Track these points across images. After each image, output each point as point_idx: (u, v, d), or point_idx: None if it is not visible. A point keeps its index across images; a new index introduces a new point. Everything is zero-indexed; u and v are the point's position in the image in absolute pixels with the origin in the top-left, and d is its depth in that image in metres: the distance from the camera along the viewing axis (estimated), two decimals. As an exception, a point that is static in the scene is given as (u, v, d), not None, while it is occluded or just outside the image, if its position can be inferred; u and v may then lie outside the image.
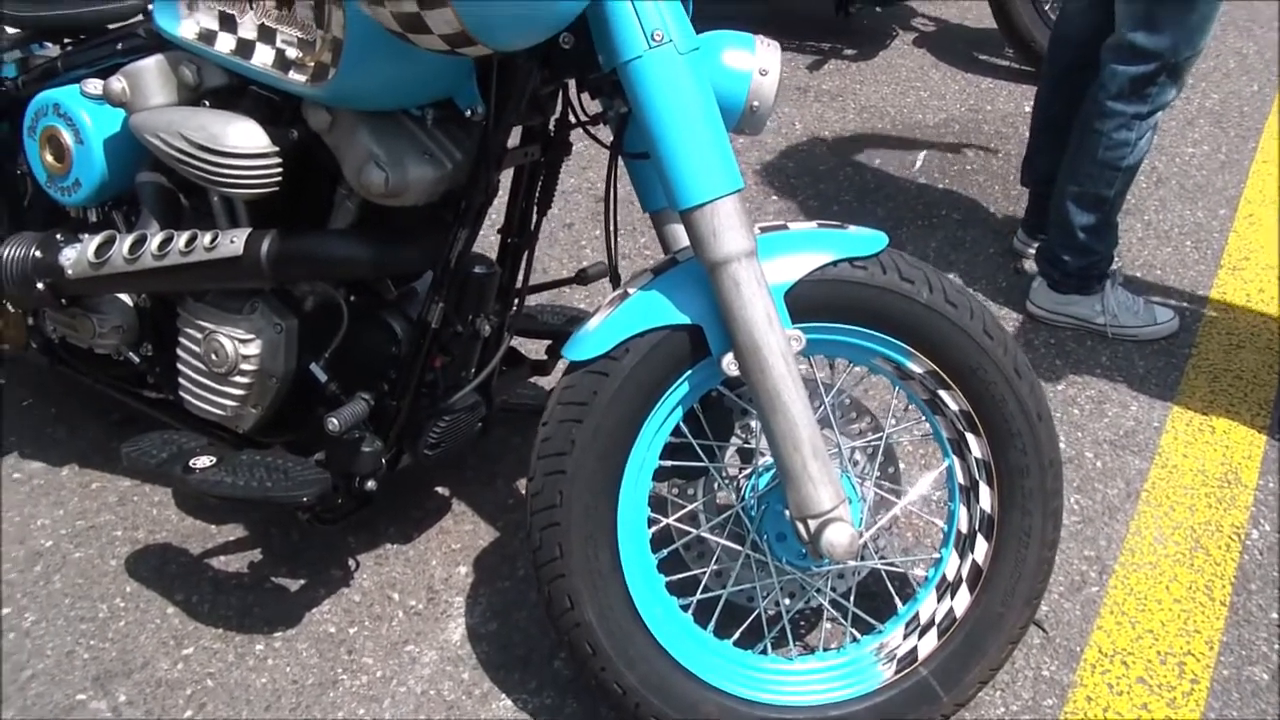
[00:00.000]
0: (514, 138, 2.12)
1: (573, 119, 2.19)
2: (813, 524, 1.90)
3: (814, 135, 4.73)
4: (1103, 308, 3.47)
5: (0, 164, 2.68)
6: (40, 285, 2.39)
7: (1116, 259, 3.53)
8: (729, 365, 1.91)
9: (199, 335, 2.28)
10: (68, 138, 2.37)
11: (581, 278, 2.61)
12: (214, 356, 2.25)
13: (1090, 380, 3.28)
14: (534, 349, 2.84)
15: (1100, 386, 3.25)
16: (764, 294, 1.84)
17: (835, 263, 1.96)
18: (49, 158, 2.42)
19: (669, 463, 2.10)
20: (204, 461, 2.20)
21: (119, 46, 2.41)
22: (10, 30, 2.60)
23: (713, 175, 1.82)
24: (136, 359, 2.54)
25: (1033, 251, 3.76)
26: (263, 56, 2.04)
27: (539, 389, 3.00)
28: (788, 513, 1.94)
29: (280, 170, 2.09)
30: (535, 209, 2.31)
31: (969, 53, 5.58)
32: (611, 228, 2.23)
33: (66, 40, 2.58)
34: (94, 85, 2.28)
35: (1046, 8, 5.14)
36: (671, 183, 1.83)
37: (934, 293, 1.99)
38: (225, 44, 2.08)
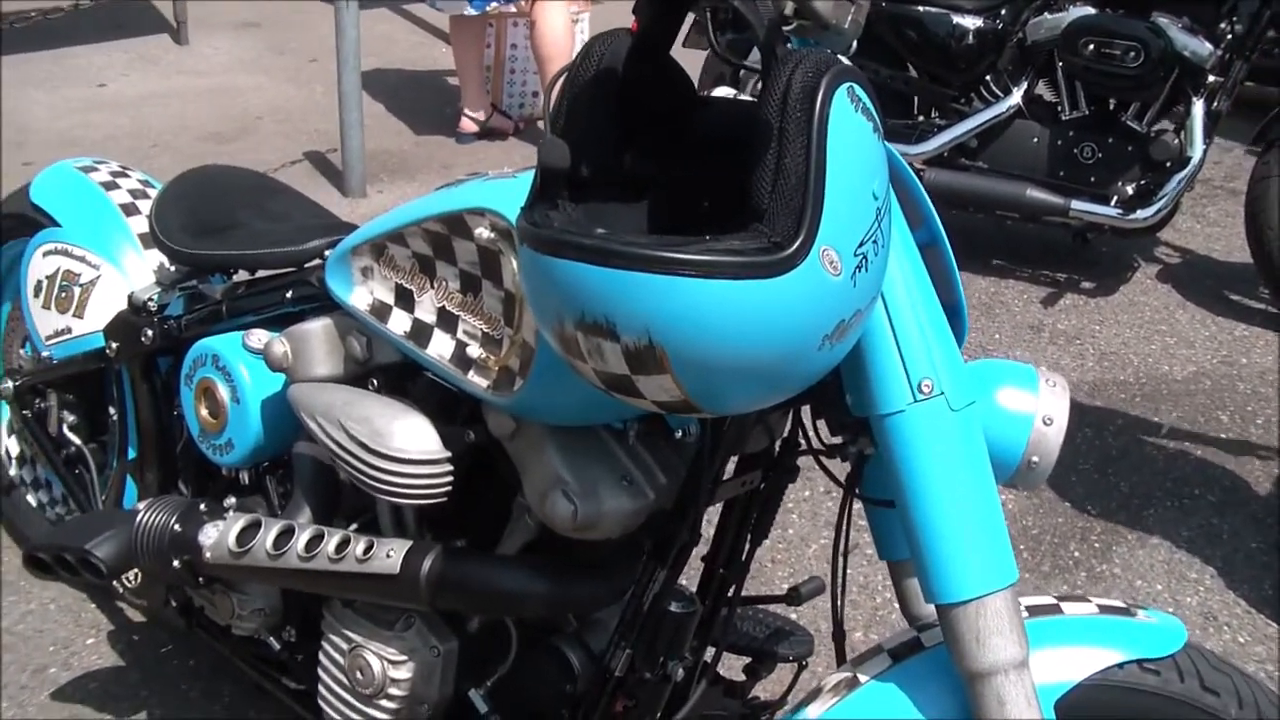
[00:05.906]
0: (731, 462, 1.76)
1: (803, 444, 1.82)
2: None
3: (1048, 385, 4.26)
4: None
5: (156, 404, 2.43)
6: (176, 562, 2.09)
7: None
8: (983, 795, 1.50)
9: (344, 647, 1.95)
10: (224, 393, 2.11)
11: (793, 598, 2.20)
12: (359, 675, 1.92)
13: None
14: (731, 664, 2.44)
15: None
16: (1034, 715, 1.45)
17: (1122, 664, 1.55)
18: (203, 411, 2.16)
19: None
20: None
21: (289, 295, 2.14)
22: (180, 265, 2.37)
23: (982, 565, 1.44)
24: (277, 645, 2.23)
25: (1306, 554, 3.28)
26: (440, 346, 1.73)
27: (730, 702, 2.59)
28: None
29: (451, 479, 1.77)
30: (749, 538, 1.93)
31: (1219, 290, 5.07)
32: (840, 580, 1.83)
33: (236, 278, 2.34)
34: (257, 338, 2.01)
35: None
36: (929, 569, 1.46)
37: (1244, 708, 1.55)
38: (399, 324, 1.79)
